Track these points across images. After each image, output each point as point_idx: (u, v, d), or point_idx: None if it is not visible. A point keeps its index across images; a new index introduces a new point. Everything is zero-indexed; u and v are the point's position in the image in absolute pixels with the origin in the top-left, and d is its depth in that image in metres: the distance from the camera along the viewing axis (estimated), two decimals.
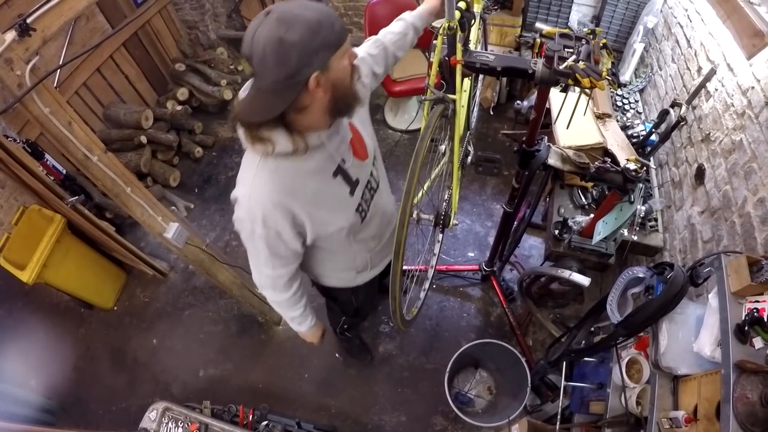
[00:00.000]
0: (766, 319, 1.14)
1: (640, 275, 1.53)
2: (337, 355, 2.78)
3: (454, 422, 2.50)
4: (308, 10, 1.00)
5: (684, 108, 1.97)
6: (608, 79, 1.27)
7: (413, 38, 1.63)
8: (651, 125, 2.21)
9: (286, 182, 1.19)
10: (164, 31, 4.09)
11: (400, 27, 1.59)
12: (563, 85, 1.34)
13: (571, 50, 1.31)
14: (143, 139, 3.52)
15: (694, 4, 2.22)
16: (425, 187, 1.65)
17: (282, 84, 1.02)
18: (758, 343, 1.14)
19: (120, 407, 2.75)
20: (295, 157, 1.15)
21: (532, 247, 3.10)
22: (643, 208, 2.15)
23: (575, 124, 1.55)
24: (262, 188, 1.18)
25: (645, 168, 1.69)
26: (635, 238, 2.15)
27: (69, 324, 3.09)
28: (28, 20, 1.97)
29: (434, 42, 1.41)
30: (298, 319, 1.60)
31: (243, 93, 1.15)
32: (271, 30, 0.97)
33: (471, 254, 3.12)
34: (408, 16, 1.61)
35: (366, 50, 1.50)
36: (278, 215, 1.21)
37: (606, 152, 2.16)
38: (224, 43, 4.38)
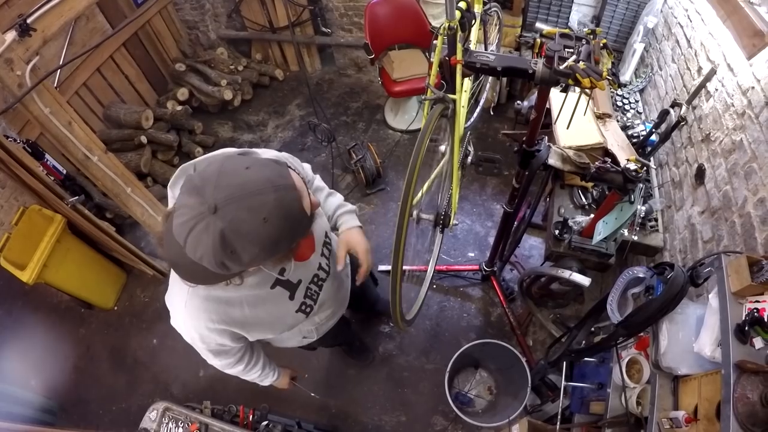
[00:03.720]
0: (766, 319, 1.14)
1: (641, 275, 1.53)
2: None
3: (454, 422, 2.50)
4: (264, 225, 0.83)
5: (684, 108, 1.97)
6: (608, 79, 1.27)
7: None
8: (651, 125, 2.21)
9: (219, 309, 1.15)
10: (164, 31, 4.09)
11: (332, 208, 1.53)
12: (563, 85, 1.33)
13: (572, 50, 1.31)
14: (143, 139, 3.52)
15: (695, 4, 2.22)
16: (425, 188, 1.65)
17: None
18: (758, 343, 1.14)
19: (120, 407, 2.75)
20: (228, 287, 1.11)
21: (532, 247, 3.10)
22: (644, 208, 2.15)
23: (575, 124, 1.54)
24: (196, 316, 1.15)
25: (645, 168, 1.69)
26: (635, 238, 2.15)
27: (69, 324, 3.09)
28: (29, 20, 1.97)
29: (434, 42, 1.41)
30: (258, 379, 1.59)
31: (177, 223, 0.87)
32: (215, 248, 0.82)
33: (471, 254, 3.12)
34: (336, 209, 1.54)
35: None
36: (215, 336, 1.21)
37: (606, 152, 2.16)
38: (224, 43, 4.39)
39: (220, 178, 0.84)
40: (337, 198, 1.55)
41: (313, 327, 1.59)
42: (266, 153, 1.22)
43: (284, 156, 1.28)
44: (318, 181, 1.52)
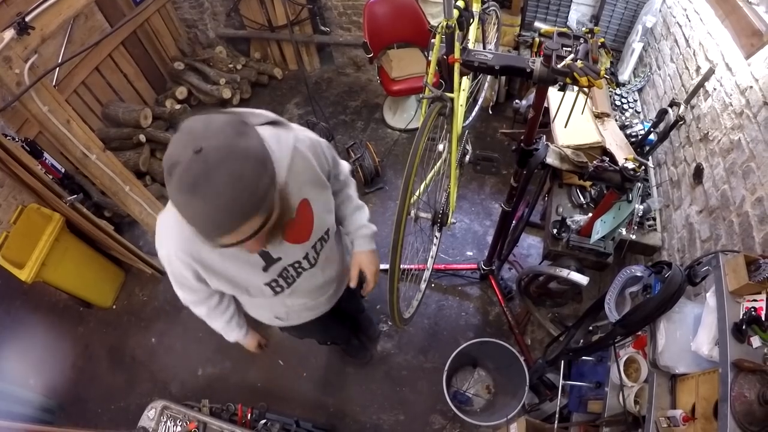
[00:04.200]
0: (763, 318, 1.14)
1: (638, 274, 1.54)
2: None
3: (453, 421, 2.50)
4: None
5: (682, 107, 1.97)
6: (606, 78, 1.27)
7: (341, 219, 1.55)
8: (649, 124, 2.21)
9: (193, 241, 1.08)
10: (163, 29, 4.09)
11: (350, 210, 1.52)
12: (561, 84, 1.34)
13: (570, 49, 1.31)
14: (142, 137, 3.52)
15: (693, 4, 2.22)
16: (423, 186, 1.65)
17: None
18: (756, 341, 1.14)
19: (119, 406, 2.75)
20: None
21: (530, 246, 3.10)
22: (642, 207, 2.15)
23: (574, 123, 1.55)
24: (170, 236, 1.15)
25: (643, 167, 1.69)
26: (633, 237, 2.15)
27: (68, 323, 3.09)
28: (27, 18, 1.97)
29: (433, 41, 1.41)
30: (222, 331, 1.57)
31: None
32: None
33: (469, 253, 3.12)
34: (352, 222, 1.54)
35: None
36: (180, 266, 1.20)
37: (604, 151, 2.16)
38: (223, 42, 4.39)
39: (215, 131, 0.85)
40: (363, 216, 1.53)
41: (283, 310, 1.57)
42: (304, 131, 1.23)
43: (319, 143, 1.27)
44: (351, 189, 1.50)
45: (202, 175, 0.80)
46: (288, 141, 1.14)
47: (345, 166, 1.45)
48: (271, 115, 1.15)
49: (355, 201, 1.52)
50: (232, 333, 1.59)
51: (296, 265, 1.33)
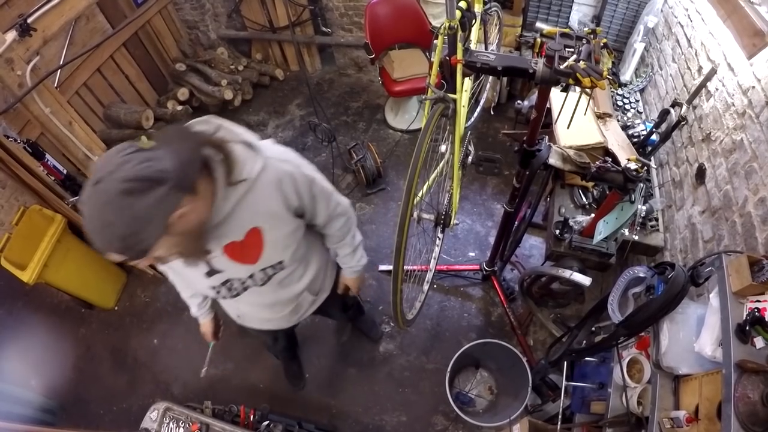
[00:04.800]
0: (767, 319, 1.14)
1: (641, 275, 1.53)
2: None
3: (455, 422, 2.50)
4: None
5: (684, 107, 1.97)
6: (609, 79, 1.27)
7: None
8: (651, 125, 2.21)
9: None
10: (164, 30, 4.09)
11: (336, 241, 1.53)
12: (564, 84, 1.33)
13: (572, 50, 1.31)
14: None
15: (695, 4, 2.22)
16: (425, 188, 1.65)
17: None
18: (759, 342, 1.14)
19: (121, 407, 2.75)
20: None
21: (532, 247, 3.10)
22: (644, 207, 2.15)
23: (576, 123, 1.54)
24: None
25: (646, 168, 1.69)
26: (636, 237, 2.15)
27: (69, 324, 3.09)
28: (29, 20, 1.98)
29: (435, 42, 1.41)
30: (187, 303, 1.67)
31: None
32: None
33: (472, 254, 3.11)
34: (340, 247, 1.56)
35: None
36: None
37: (607, 152, 2.16)
38: (224, 43, 4.39)
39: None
40: (355, 258, 1.60)
41: (236, 313, 1.65)
42: (279, 163, 1.17)
43: (294, 179, 1.19)
44: (342, 230, 1.46)
45: (88, 205, 0.89)
46: (252, 168, 1.10)
47: (338, 206, 1.39)
48: (245, 136, 1.13)
49: (349, 246, 1.53)
50: (193, 308, 1.68)
51: (241, 281, 1.34)
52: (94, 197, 0.88)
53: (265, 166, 1.12)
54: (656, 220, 2.21)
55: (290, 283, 1.47)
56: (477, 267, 2.91)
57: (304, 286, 1.52)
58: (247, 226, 1.17)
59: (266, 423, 2.05)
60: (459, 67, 1.40)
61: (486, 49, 2.10)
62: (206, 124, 1.12)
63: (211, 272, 1.28)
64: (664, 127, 2.10)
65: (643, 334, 1.62)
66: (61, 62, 2.98)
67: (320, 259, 1.57)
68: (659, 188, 2.35)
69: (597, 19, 3.05)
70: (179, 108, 3.87)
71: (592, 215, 2.09)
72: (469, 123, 2.18)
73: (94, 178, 0.88)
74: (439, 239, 2.12)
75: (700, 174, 1.92)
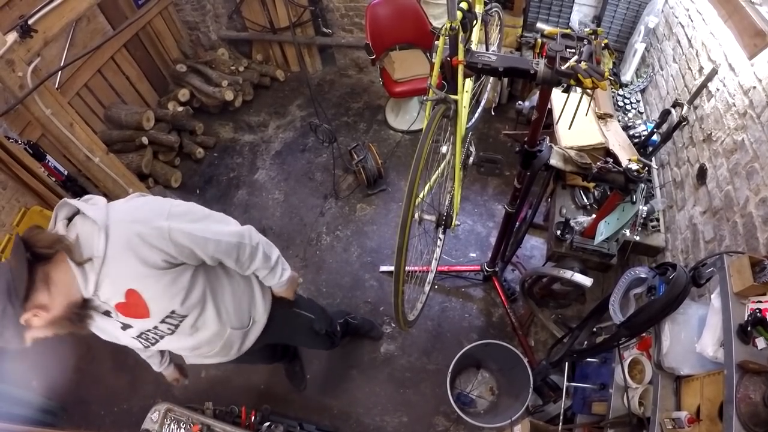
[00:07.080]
0: None
1: (643, 276, 1.53)
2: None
3: (456, 423, 2.50)
4: None
5: (685, 108, 1.97)
6: (610, 80, 1.27)
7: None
8: (652, 125, 2.21)
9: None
10: (165, 32, 4.10)
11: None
12: (565, 85, 1.33)
13: (573, 50, 1.31)
14: (144, 140, 3.52)
15: (696, 4, 2.22)
16: (426, 189, 1.65)
17: None
18: (761, 343, 1.14)
19: (122, 408, 2.75)
20: None
21: (533, 248, 3.10)
22: (645, 208, 2.14)
23: (577, 124, 1.54)
24: None
25: (647, 168, 1.68)
26: (637, 238, 2.15)
27: None
28: (30, 21, 1.98)
29: (436, 43, 1.41)
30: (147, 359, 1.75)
31: None
32: None
33: (473, 255, 3.11)
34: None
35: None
36: None
37: (608, 152, 2.16)
38: (225, 44, 4.40)
39: None
40: (274, 278, 1.51)
41: (178, 356, 1.69)
42: (123, 209, 1.23)
43: (141, 239, 1.17)
44: (242, 265, 1.40)
45: None
46: (97, 246, 1.13)
47: (219, 244, 1.29)
48: (96, 216, 1.15)
49: (263, 268, 1.45)
50: (154, 366, 1.77)
51: (151, 331, 1.37)
52: None
53: (109, 236, 1.14)
54: (657, 220, 2.21)
55: (202, 326, 1.43)
56: (478, 268, 2.91)
57: (218, 326, 1.47)
58: (122, 290, 1.20)
59: (267, 424, 2.05)
60: (460, 68, 1.40)
61: (487, 49, 2.11)
62: (66, 206, 1.21)
63: (125, 326, 1.33)
64: (665, 127, 2.10)
65: (644, 334, 1.61)
66: (62, 63, 2.99)
67: (235, 293, 1.50)
68: (660, 189, 2.35)
69: (598, 19, 3.05)
70: (180, 109, 3.88)
71: (593, 216, 2.09)
72: (470, 124, 2.18)
73: None
74: (441, 240, 2.11)
75: (702, 174, 1.92)
